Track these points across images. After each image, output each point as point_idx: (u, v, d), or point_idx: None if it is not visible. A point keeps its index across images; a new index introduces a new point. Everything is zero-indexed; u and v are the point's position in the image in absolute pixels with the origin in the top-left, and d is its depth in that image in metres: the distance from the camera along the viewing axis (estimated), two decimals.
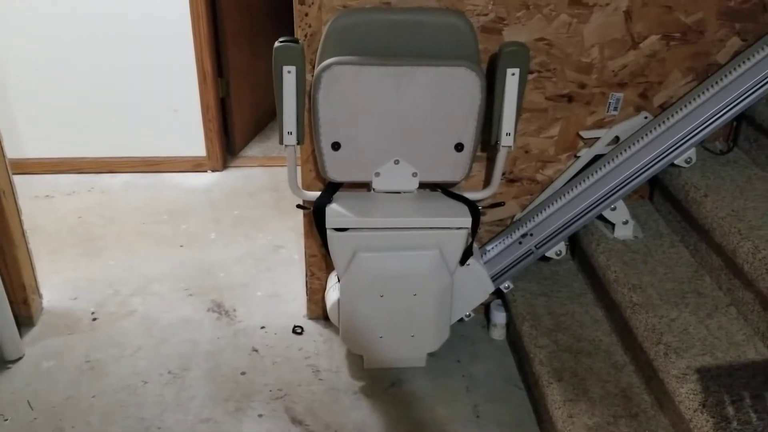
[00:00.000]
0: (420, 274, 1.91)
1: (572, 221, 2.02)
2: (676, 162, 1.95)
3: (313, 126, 1.82)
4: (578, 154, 2.08)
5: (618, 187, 1.97)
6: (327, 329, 2.29)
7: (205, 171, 3.35)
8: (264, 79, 3.73)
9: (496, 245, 2.13)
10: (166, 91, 3.19)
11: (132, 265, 2.62)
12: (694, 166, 1.97)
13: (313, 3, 1.80)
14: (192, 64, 3.11)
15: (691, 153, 1.94)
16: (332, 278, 2.10)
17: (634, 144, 1.96)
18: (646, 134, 1.96)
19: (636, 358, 1.84)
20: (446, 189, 1.99)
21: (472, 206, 1.90)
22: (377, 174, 1.89)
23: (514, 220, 2.18)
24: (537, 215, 2.07)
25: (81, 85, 3.15)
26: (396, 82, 1.75)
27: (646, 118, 2.03)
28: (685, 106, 1.93)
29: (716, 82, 1.91)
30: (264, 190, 3.21)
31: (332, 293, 2.04)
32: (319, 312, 2.33)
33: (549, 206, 2.05)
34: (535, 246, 2.07)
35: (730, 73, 1.89)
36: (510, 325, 2.21)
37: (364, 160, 1.87)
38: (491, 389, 2.06)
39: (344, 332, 2.03)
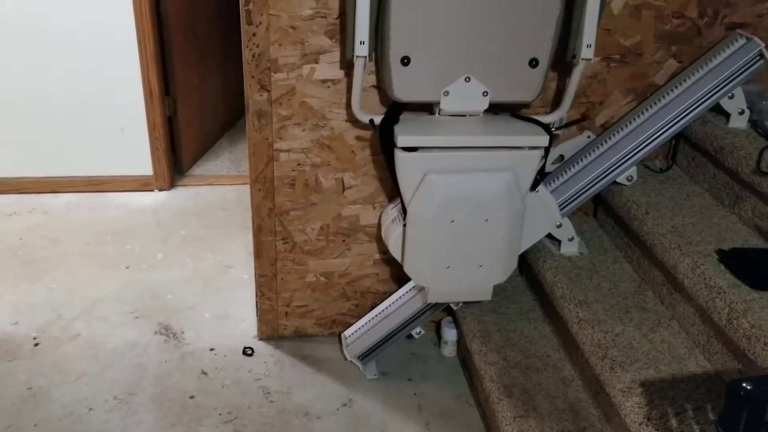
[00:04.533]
0: (492, 198, 1.81)
1: None
2: (618, 180, 2.01)
3: (381, 38, 1.71)
4: None
5: (563, 205, 2.01)
6: (278, 350, 2.27)
7: (152, 190, 3.29)
8: (212, 98, 3.70)
9: None
10: (111, 108, 3.13)
11: (75, 287, 2.56)
12: (636, 183, 2.03)
13: (260, 23, 1.80)
14: (138, 81, 3.07)
15: (633, 171, 2.00)
16: (390, 212, 2.01)
17: (577, 162, 2.01)
18: (590, 153, 2.01)
19: (583, 373, 1.88)
20: (513, 113, 1.91)
21: (544, 127, 1.83)
22: (446, 93, 1.78)
23: None
24: None
25: (22, 102, 3.07)
26: None
27: (589, 137, 2.08)
28: (626, 125, 1.99)
29: (655, 103, 1.97)
30: (212, 210, 3.17)
31: (393, 226, 1.94)
32: (269, 332, 2.30)
33: None
34: None
35: (667, 94, 1.96)
36: (460, 342, 2.23)
37: (433, 76, 1.75)
38: (443, 407, 2.07)
39: (409, 263, 1.91)
